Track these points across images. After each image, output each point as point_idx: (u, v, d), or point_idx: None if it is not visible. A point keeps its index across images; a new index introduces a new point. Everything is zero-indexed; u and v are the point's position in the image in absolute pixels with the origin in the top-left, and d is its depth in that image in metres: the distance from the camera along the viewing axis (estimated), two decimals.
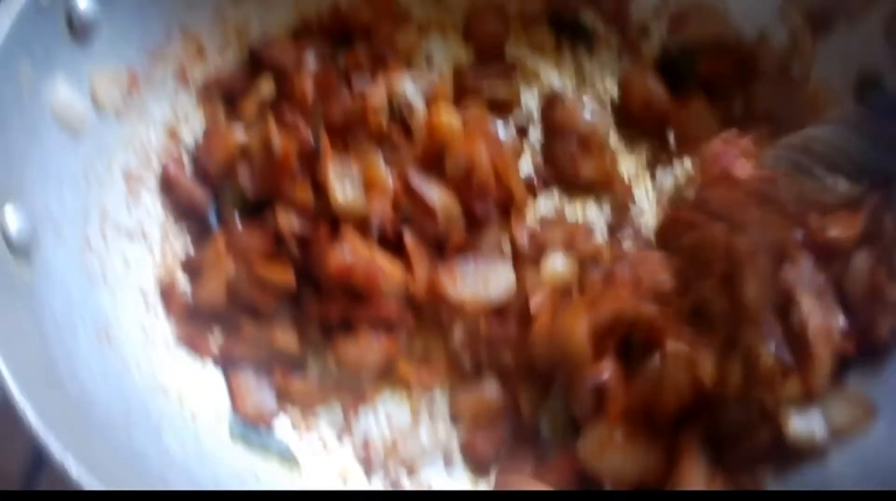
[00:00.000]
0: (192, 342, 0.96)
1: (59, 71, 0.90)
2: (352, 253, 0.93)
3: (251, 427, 0.95)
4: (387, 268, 0.94)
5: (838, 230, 0.93)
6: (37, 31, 0.86)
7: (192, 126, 1.06)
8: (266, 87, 1.06)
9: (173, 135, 1.04)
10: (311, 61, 1.06)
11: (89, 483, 0.70)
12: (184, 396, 0.93)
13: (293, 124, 0.98)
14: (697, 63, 1.14)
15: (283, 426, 0.97)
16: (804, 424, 0.88)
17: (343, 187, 0.95)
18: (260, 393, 0.95)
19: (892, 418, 0.88)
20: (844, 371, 0.93)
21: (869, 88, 1.02)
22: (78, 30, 0.91)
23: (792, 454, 0.89)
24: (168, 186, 1.02)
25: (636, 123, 1.15)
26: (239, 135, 1.01)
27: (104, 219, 0.95)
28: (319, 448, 0.97)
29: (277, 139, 0.96)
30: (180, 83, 1.05)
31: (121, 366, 0.89)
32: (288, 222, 0.95)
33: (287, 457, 0.96)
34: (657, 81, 1.13)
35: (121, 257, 0.95)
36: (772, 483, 0.89)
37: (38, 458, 0.98)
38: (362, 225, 0.95)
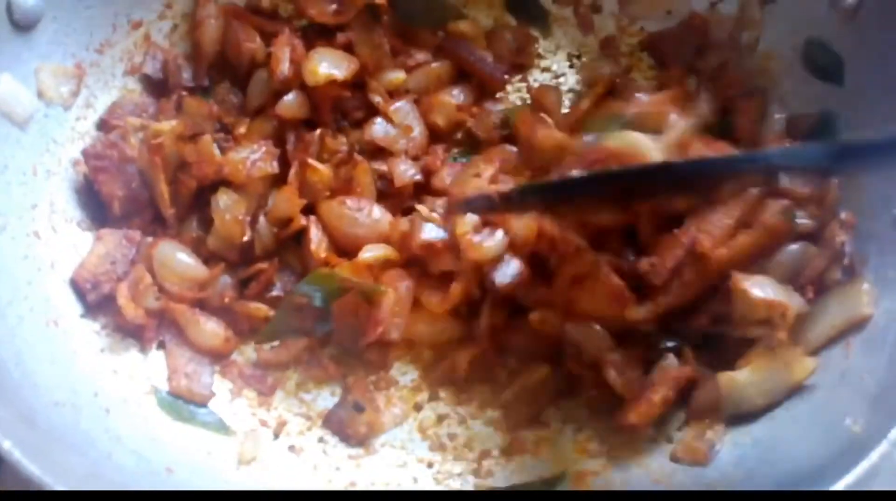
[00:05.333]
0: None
1: (3, 64, 0.92)
2: None
3: (180, 400, 0.96)
4: None
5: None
6: None
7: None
8: None
9: None
10: None
11: (23, 462, 0.73)
12: (134, 376, 0.96)
13: None
14: None
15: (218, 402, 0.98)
16: None
17: None
18: (196, 373, 0.97)
19: None
20: None
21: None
22: (21, 23, 0.94)
23: None
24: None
25: None
26: None
27: (54, 210, 0.97)
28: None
29: None
30: (129, 73, 1.07)
31: (69, 350, 0.92)
32: None
33: (219, 429, 0.96)
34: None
35: (71, 244, 0.98)
36: None
37: None
38: None
